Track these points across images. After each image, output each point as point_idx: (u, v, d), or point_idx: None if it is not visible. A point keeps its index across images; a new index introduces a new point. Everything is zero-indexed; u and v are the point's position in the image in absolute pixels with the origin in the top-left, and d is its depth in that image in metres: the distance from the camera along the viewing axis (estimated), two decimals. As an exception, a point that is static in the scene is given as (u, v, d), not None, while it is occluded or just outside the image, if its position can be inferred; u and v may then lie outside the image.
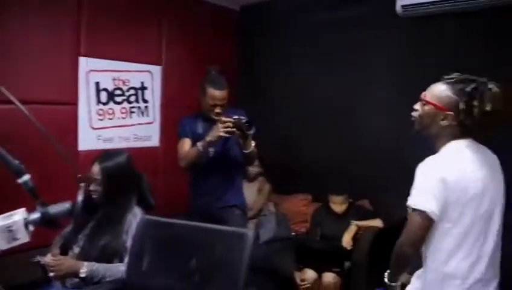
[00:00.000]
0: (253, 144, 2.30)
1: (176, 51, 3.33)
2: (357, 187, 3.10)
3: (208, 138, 2.22)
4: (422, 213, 1.32)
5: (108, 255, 1.69)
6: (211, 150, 2.35)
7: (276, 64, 3.65)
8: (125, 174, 1.80)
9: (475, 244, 1.34)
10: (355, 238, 2.78)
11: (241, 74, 3.76)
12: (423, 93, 1.47)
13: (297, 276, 2.74)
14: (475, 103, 1.32)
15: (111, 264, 1.67)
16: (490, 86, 1.33)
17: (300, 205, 3.37)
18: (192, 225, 1.76)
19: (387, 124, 3.05)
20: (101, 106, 2.95)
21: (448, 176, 1.32)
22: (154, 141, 3.27)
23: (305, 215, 3.27)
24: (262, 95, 3.69)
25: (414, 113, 1.49)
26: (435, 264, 1.38)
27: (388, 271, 1.48)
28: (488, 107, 1.31)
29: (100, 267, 1.63)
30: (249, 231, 1.53)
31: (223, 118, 2.20)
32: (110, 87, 2.99)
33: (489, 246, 1.36)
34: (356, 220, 2.87)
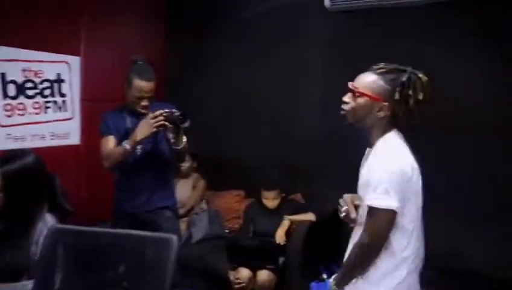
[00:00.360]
0: (184, 139, 2.17)
1: (97, 39, 3.06)
2: (290, 181, 3.10)
3: (139, 136, 2.04)
4: (388, 211, 1.31)
5: (14, 273, 1.48)
6: (139, 147, 2.19)
7: (206, 55, 3.53)
8: (32, 178, 1.58)
9: (419, 231, 1.39)
10: (288, 233, 2.78)
11: (170, 64, 3.58)
12: (351, 84, 1.42)
13: (232, 275, 2.67)
14: (409, 92, 1.32)
15: (16, 283, 1.46)
16: (420, 74, 1.35)
17: (233, 202, 3.31)
18: (113, 233, 1.65)
19: (318, 117, 3.08)
20: (8, 101, 2.62)
21: (406, 170, 1.33)
22: (74, 138, 2.99)
23: (238, 211, 3.22)
24: (192, 87, 3.56)
25: (345, 106, 1.43)
26: (393, 253, 1.36)
27: (337, 276, 1.44)
28: (420, 96, 1.33)
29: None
30: (174, 236, 1.47)
31: (156, 112, 2.04)
32: (20, 79, 2.66)
33: (421, 232, 1.43)
34: (289, 214, 2.86)
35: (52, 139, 2.85)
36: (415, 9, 2.70)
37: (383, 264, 1.36)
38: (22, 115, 2.69)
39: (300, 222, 2.80)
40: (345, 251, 1.49)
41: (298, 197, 3.15)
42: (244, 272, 2.66)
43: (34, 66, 2.72)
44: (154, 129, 2.04)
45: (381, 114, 1.37)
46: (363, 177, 1.41)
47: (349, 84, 1.42)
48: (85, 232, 1.54)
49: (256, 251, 2.73)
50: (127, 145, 2.07)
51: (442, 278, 2.56)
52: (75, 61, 2.95)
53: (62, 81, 2.90)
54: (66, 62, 2.91)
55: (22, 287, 1.45)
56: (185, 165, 3.19)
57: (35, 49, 2.71)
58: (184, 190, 3.21)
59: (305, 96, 3.20)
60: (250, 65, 3.39)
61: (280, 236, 2.74)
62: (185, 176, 3.28)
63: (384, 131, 1.40)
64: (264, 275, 2.63)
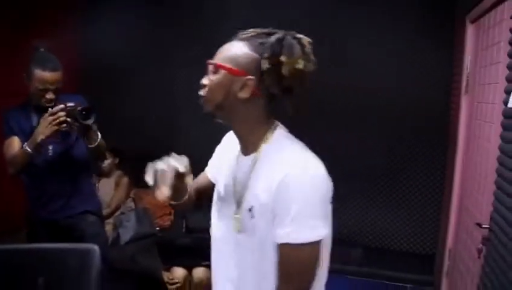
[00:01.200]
0: (100, 135, 1.96)
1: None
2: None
3: (40, 137, 1.79)
4: (317, 243, 0.95)
5: None
6: (50, 148, 1.95)
7: (123, 48, 3.24)
8: None
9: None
10: (222, 226, 2.71)
11: (84, 52, 3.25)
12: (213, 60, 1.02)
13: (166, 276, 2.55)
14: (282, 58, 0.93)
15: None
16: (299, 35, 0.97)
17: (162, 197, 3.15)
18: (25, 248, 1.57)
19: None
20: None
21: (328, 182, 0.98)
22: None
23: (168, 208, 3.07)
24: (110, 78, 3.28)
25: (202, 91, 1.04)
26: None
27: None
28: (300, 65, 0.93)
29: None
30: (95, 246, 1.47)
31: (56, 107, 1.81)
32: None
33: None
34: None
35: None
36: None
37: None
38: None
39: (234, 213, 2.74)
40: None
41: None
42: (178, 272, 2.56)
43: None
44: (56, 127, 1.80)
45: (245, 94, 0.97)
46: (259, 199, 0.98)
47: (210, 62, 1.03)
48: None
49: (190, 248, 2.63)
50: (27, 147, 1.82)
51: (366, 256, 2.72)
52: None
53: None
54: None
55: None
56: (106, 162, 2.97)
57: None
58: (107, 189, 3.03)
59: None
60: (168, 56, 3.23)
61: (213, 230, 2.66)
62: (107, 174, 3.06)
63: (264, 127, 1.02)
64: (200, 272, 2.56)
